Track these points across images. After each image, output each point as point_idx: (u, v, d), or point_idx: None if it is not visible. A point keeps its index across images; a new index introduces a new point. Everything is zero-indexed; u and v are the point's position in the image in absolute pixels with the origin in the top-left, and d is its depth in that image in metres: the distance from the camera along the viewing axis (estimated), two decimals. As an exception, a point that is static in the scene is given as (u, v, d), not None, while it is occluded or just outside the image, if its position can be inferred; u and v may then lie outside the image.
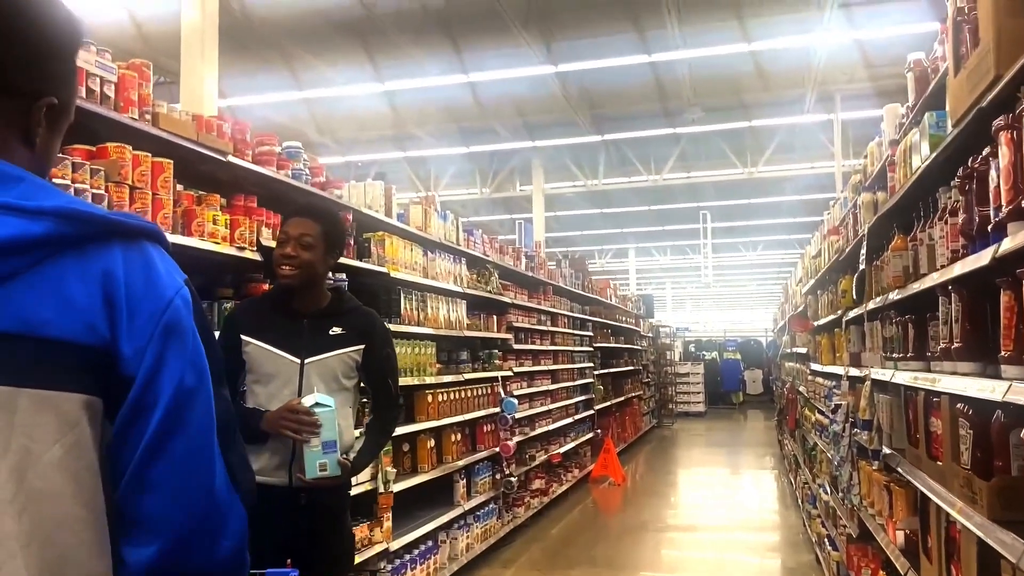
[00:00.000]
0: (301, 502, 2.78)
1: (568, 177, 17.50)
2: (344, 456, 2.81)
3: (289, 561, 2.50)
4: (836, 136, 13.60)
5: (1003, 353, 1.88)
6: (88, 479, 0.97)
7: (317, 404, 2.73)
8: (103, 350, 0.98)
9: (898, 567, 3.14)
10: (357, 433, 3.05)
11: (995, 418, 2.03)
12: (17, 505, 0.93)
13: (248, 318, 2.97)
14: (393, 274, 5.03)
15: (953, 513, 2.20)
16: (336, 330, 2.88)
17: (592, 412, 11.27)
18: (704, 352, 25.81)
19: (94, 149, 3.13)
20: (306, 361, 2.82)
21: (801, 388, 8.30)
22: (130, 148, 3.21)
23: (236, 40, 9.96)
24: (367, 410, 3.64)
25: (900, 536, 3.24)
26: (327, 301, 2.96)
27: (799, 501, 8.27)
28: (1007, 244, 1.79)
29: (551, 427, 8.98)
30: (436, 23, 10.35)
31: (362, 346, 2.90)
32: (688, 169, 16.86)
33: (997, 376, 1.93)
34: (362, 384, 3.06)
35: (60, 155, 2.95)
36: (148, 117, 3.42)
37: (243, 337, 2.87)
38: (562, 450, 9.36)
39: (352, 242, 4.71)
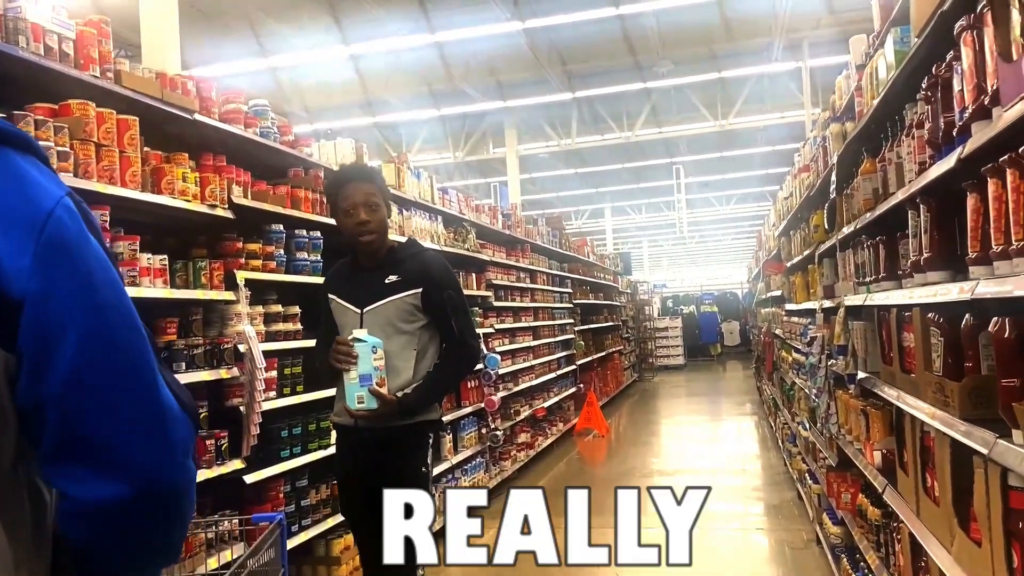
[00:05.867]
0: (364, 436, 3.01)
1: (542, 138, 17.44)
2: (400, 394, 2.98)
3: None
4: (805, 84, 13.61)
5: (970, 255, 1.92)
6: None
7: (356, 339, 2.93)
8: None
9: (876, 485, 3.22)
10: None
11: (964, 322, 2.07)
12: None
13: (333, 278, 3.30)
14: (368, 231, 4.99)
15: (926, 419, 2.26)
16: (392, 278, 3.06)
17: (574, 367, 11.36)
18: (682, 307, 26.02)
19: (56, 107, 3.08)
20: (364, 310, 3.06)
21: (777, 331, 8.41)
22: (93, 105, 3.16)
23: (198, 8, 9.77)
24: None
25: (877, 456, 3.31)
26: (386, 252, 3.14)
27: (779, 442, 8.43)
28: (972, 144, 1.82)
29: (534, 382, 9.05)
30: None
31: (418, 290, 3.03)
32: (660, 124, 16.85)
33: (966, 279, 1.97)
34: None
35: (21, 112, 2.90)
36: (110, 75, 3.36)
37: (329, 295, 3.19)
38: (546, 404, 9.45)
39: (324, 200, 4.68)
